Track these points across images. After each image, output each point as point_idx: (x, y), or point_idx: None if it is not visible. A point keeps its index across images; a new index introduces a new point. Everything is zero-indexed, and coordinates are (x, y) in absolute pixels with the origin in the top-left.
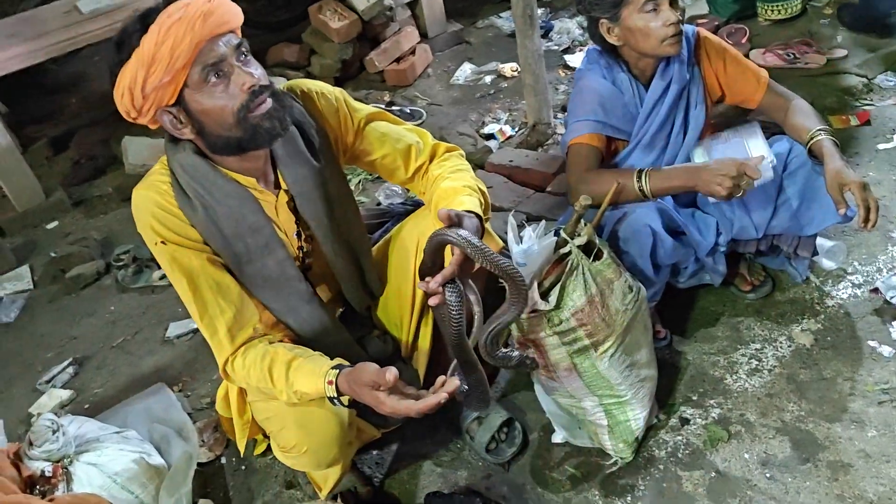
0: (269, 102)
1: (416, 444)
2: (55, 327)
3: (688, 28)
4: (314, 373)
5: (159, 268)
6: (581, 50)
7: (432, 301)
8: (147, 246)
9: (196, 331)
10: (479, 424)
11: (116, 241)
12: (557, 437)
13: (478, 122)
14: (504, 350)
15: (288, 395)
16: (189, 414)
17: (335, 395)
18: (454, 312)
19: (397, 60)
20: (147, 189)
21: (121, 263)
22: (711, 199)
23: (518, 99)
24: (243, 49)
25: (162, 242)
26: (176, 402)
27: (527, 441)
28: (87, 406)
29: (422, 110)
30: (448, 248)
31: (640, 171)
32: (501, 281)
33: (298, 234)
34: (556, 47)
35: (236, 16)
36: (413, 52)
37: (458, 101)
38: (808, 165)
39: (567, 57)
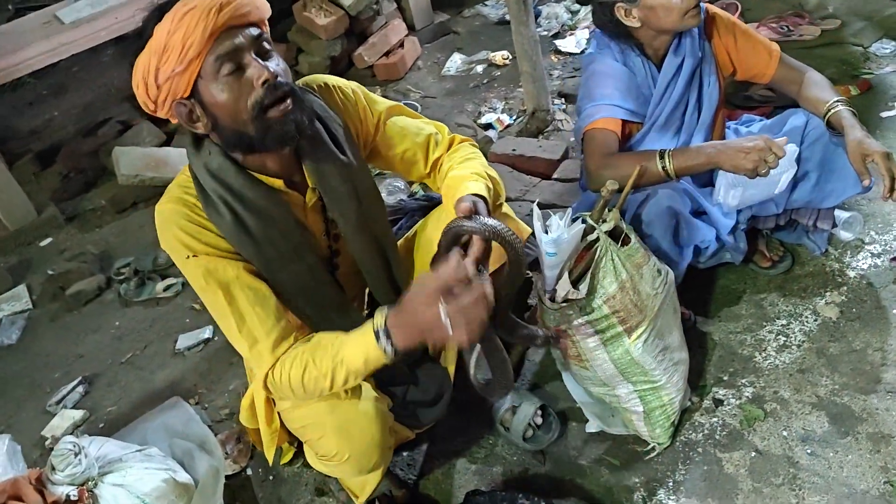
0: (287, 104)
1: (447, 442)
2: (60, 346)
3: None
4: (360, 333)
5: (162, 279)
6: (571, 34)
7: None
8: (176, 263)
9: (207, 341)
10: (513, 414)
11: (115, 255)
12: (591, 427)
13: (474, 112)
14: (527, 328)
15: (334, 376)
16: (209, 426)
17: (387, 343)
18: None
19: (386, 54)
20: (173, 203)
21: (122, 277)
22: (729, 179)
23: (513, 87)
24: (264, 43)
25: (193, 256)
26: (195, 416)
27: (563, 426)
28: (101, 425)
29: (416, 104)
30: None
31: (663, 152)
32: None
33: (327, 234)
34: (546, 33)
35: (258, 8)
36: (401, 45)
37: (452, 92)
38: (826, 137)
39: (558, 42)
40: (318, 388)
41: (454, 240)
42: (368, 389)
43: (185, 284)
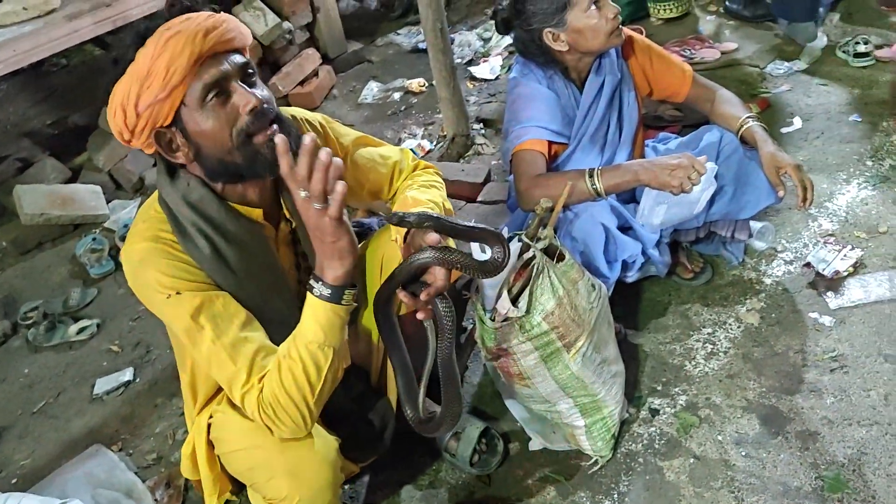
0: (274, 128)
1: (389, 471)
2: None
3: None
4: (305, 312)
5: (75, 321)
6: (485, 61)
7: (420, 315)
8: (150, 306)
9: (128, 384)
10: (458, 440)
11: (21, 299)
12: (534, 445)
13: (394, 139)
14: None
15: (301, 357)
16: (135, 473)
17: (321, 287)
18: (448, 324)
19: (301, 84)
20: (146, 241)
21: (30, 321)
22: (653, 197)
23: (431, 113)
24: (249, 70)
25: (176, 294)
26: (119, 463)
27: (507, 448)
28: (14, 481)
29: None
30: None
31: (592, 171)
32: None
33: (297, 268)
34: (460, 60)
35: (242, 34)
36: (316, 74)
37: (370, 119)
38: (740, 152)
39: (472, 69)
40: (297, 381)
41: (419, 271)
42: (319, 429)
43: (101, 325)
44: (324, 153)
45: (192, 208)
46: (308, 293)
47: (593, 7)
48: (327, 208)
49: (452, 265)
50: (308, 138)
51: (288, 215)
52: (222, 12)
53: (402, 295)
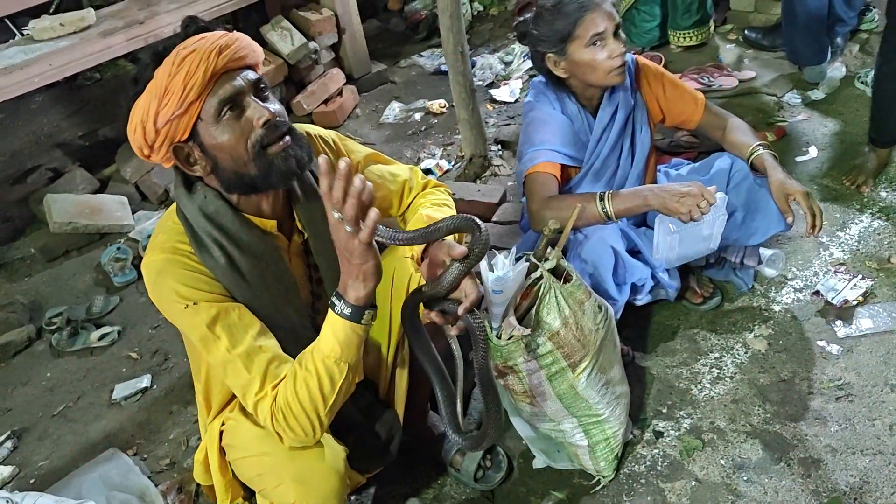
0: (287, 140)
1: (395, 484)
2: None
3: (627, 56)
4: (325, 321)
5: (97, 328)
6: (505, 84)
7: (454, 331)
8: (169, 316)
9: (145, 390)
10: (463, 456)
11: (46, 304)
12: (538, 463)
13: (413, 158)
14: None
15: (317, 370)
16: (149, 477)
17: (343, 305)
18: (481, 335)
19: (325, 102)
20: (166, 253)
21: (54, 327)
22: (665, 226)
23: (450, 134)
24: (262, 85)
25: (193, 304)
26: (133, 467)
27: (511, 464)
28: (32, 481)
29: None
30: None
31: (603, 195)
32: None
33: (309, 279)
34: (480, 82)
35: (255, 52)
36: (340, 93)
37: (391, 139)
38: (751, 179)
39: (492, 91)
40: (311, 392)
41: (454, 285)
42: (327, 438)
43: (121, 332)
44: (357, 180)
45: (208, 219)
46: (329, 310)
47: (595, 44)
48: (359, 232)
49: (476, 261)
50: (343, 163)
51: (300, 227)
52: (234, 31)
53: (433, 315)
